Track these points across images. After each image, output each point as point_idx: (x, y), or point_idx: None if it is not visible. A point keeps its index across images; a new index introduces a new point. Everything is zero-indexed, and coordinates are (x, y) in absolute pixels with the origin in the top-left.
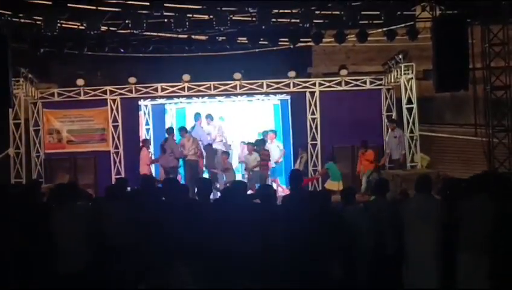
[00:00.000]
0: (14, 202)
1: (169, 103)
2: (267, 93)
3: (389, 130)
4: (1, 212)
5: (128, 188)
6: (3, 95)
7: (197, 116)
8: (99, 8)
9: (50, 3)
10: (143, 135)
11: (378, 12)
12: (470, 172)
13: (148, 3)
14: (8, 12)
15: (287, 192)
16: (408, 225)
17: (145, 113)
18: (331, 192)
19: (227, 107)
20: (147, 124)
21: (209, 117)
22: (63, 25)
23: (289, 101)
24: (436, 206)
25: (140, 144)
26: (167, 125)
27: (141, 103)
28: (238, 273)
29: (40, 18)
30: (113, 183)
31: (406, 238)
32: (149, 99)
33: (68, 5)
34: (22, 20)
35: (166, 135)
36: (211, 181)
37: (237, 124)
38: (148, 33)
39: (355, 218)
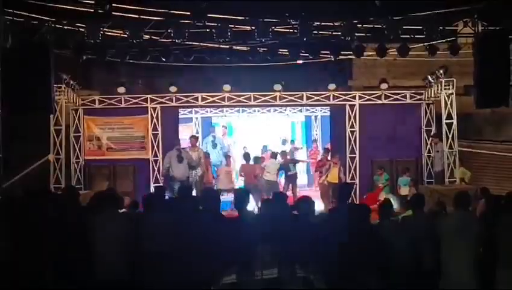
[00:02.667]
0: (53, 208)
1: (217, 116)
2: (306, 106)
3: (431, 144)
4: (40, 218)
5: (166, 197)
6: (45, 101)
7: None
8: (142, 16)
9: (93, 11)
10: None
11: (420, 27)
12: (509, 189)
13: (190, 13)
14: (51, 19)
15: None
16: (445, 241)
17: (195, 124)
18: None
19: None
20: (197, 132)
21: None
22: (106, 33)
23: (311, 118)
24: (475, 224)
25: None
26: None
27: (192, 115)
28: None
29: (83, 25)
30: (151, 191)
31: (443, 254)
32: (199, 113)
33: (111, 13)
34: (65, 27)
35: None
36: (248, 192)
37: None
38: (190, 43)
39: (392, 233)
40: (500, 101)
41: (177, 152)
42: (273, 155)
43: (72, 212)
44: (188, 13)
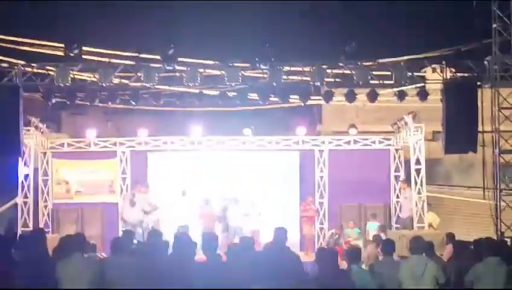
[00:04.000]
0: (20, 252)
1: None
2: (275, 150)
3: (400, 189)
4: (7, 262)
5: (135, 241)
6: (13, 144)
7: None
8: (112, 60)
9: (63, 54)
10: None
11: (389, 73)
12: (477, 234)
13: (160, 57)
14: (21, 62)
15: None
16: (404, 285)
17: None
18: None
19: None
20: None
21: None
22: (76, 76)
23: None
24: (430, 267)
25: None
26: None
27: None
28: None
29: (53, 69)
30: (119, 235)
31: None
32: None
33: (81, 56)
34: (35, 71)
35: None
36: (216, 236)
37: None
38: (160, 86)
39: (361, 278)
40: (468, 148)
41: (130, 196)
42: (236, 201)
43: (38, 257)
44: (158, 57)
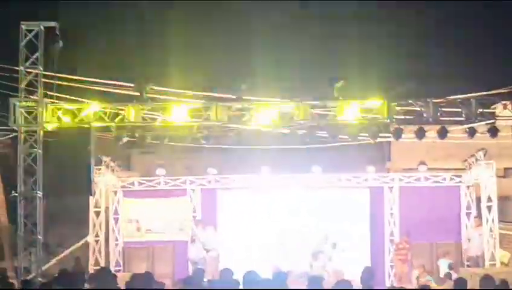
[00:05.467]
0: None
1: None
2: (345, 187)
3: (472, 227)
4: None
5: (206, 280)
6: (85, 183)
7: None
8: (182, 100)
9: (136, 94)
10: None
11: (459, 109)
12: None
13: (232, 96)
14: (92, 102)
15: None
16: None
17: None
18: None
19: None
20: None
21: None
22: (146, 115)
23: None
24: None
25: None
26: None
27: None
28: None
29: (124, 108)
30: (189, 273)
31: None
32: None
33: (152, 96)
34: (106, 110)
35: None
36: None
37: None
38: (229, 125)
39: None
40: None
41: (191, 232)
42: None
43: None
44: (229, 96)
